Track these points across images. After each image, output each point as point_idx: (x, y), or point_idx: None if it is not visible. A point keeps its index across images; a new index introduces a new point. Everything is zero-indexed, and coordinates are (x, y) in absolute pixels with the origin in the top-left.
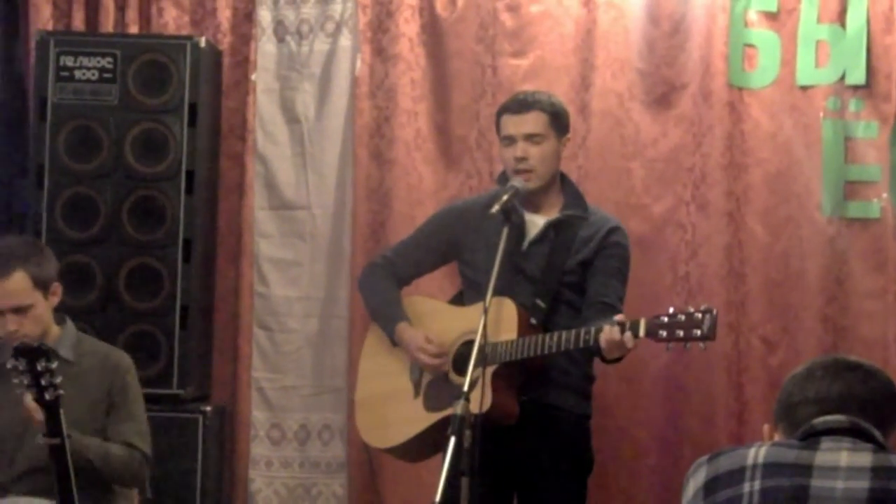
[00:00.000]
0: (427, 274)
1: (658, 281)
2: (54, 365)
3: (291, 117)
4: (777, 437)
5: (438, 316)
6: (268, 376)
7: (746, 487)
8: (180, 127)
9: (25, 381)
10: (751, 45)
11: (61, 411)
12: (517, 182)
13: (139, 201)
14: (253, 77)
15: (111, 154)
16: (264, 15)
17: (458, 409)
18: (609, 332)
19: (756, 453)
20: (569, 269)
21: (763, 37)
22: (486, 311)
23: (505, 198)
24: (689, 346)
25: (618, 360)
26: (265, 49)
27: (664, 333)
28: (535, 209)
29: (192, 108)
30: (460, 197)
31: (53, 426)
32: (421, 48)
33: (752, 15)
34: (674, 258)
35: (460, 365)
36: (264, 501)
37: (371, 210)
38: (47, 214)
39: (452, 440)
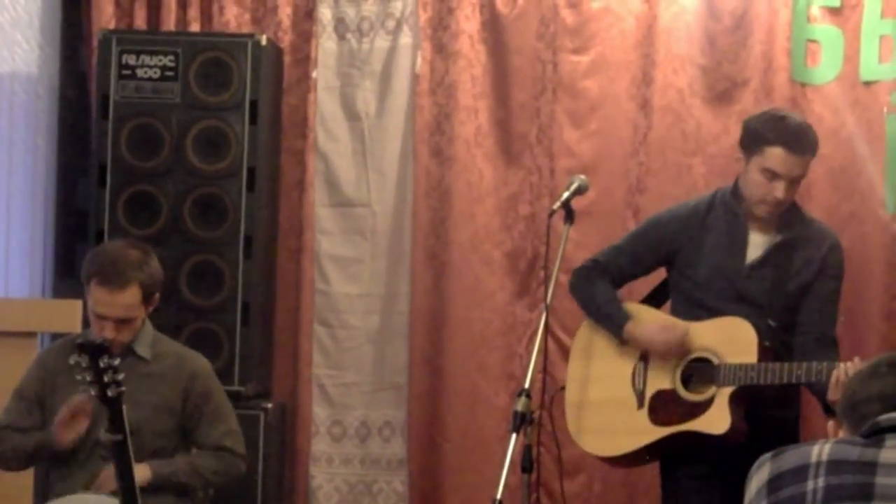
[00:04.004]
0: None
1: None
2: (116, 362)
3: (352, 114)
4: (841, 435)
5: None
6: (328, 373)
7: (810, 485)
8: (241, 124)
9: (88, 378)
10: (814, 41)
11: (124, 408)
12: (579, 180)
13: (200, 198)
14: (314, 74)
15: (173, 152)
16: (325, 12)
17: (518, 405)
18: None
19: (820, 451)
20: (792, 293)
21: (826, 32)
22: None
23: (567, 195)
24: None
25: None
26: (326, 46)
27: None
28: (757, 226)
29: (254, 106)
30: (522, 194)
31: (116, 422)
32: (481, 45)
33: (815, 10)
34: None
35: (688, 381)
36: (325, 498)
37: (431, 207)
38: (109, 212)
39: (514, 437)
